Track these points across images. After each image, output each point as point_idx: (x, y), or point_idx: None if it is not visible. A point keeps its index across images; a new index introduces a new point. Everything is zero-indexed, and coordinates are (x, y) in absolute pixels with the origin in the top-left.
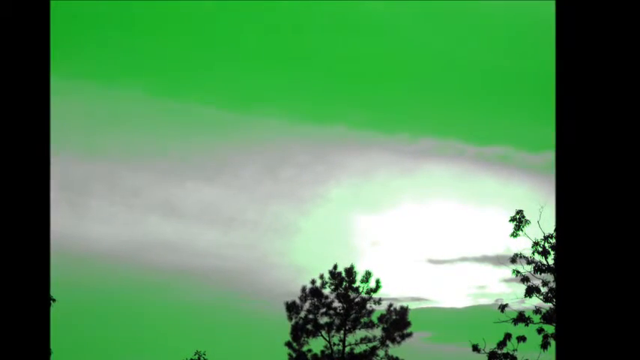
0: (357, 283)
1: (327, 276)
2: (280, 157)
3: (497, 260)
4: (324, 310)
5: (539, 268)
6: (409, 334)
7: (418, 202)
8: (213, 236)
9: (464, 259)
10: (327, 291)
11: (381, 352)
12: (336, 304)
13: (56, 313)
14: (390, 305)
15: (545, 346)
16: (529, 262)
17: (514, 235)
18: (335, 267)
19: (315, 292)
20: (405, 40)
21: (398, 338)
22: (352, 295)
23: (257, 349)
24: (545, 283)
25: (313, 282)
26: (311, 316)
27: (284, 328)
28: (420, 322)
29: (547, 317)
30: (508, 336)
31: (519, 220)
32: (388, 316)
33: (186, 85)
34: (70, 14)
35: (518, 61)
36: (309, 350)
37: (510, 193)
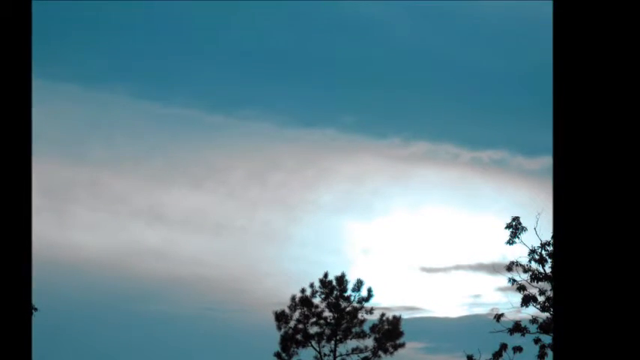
0: (349, 292)
1: (317, 284)
2: (268, 161)
3: (493, 268)
4: (314, 319)
5: (535, 277)
6: (402, 345)
7: (411, 208)
8: (199, 244)
9: (458, 267)
10: (317, 300)
11: None
12: (327, 313)
13: (38, 322)
14: (383, 315)
15: (542, 356)
16: (525, 271)
17: (510, 242)
18: (325, 275)
19: (304, 301)
20: (396, 42)
21: (390, 349)
22: (343, 304)
23: None
24: (542, 292)
25: (303, 291)
26: (301, 326)
27: (273, 338)
28: (413, 332)
29: (544, 327)
30: (504, 346)
31: (515, 227)
32: (380, 325)
33: (171, 88)
34: (52, 15)
35: (513, 63)
36: None
37: (506, 199)
